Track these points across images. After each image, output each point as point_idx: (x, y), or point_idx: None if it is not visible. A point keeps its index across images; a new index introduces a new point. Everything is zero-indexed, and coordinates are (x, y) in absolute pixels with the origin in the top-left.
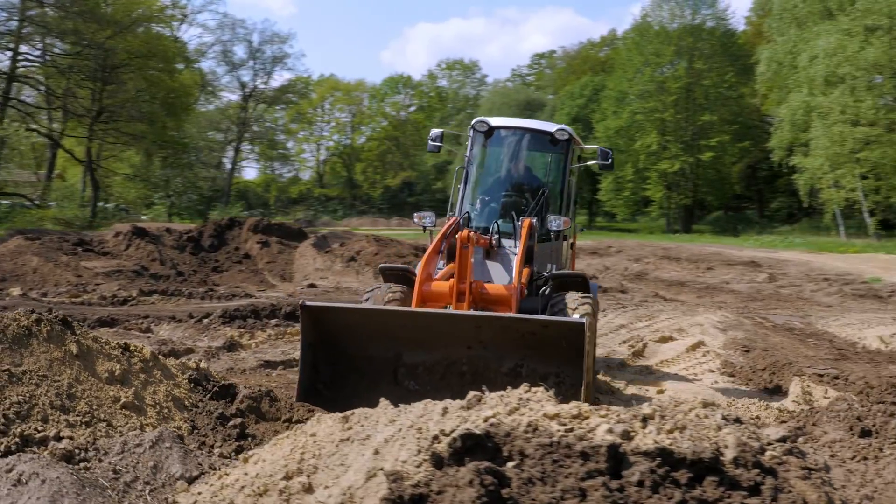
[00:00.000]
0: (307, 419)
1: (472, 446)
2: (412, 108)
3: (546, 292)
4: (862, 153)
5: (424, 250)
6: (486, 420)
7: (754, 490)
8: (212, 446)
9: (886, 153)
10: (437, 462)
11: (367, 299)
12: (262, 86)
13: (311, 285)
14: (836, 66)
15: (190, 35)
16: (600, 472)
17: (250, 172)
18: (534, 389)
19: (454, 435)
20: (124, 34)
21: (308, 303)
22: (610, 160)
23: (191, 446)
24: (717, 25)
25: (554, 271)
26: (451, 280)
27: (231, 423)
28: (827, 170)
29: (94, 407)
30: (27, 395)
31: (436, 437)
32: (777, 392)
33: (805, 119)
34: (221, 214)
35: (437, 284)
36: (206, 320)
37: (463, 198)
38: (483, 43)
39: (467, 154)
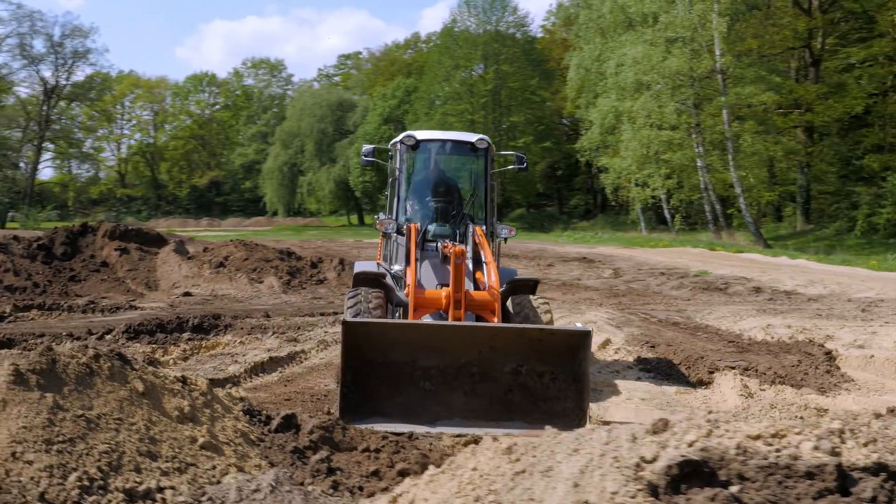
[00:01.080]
0: (383, 447)
1: (689, 473)
2: (217, 107)
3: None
4: (665, 155)
5: (290, 254)
6: (690, 444)
7: None
8: (308, 484)
9: (687, 155)
10: (653, 491)
11: (353, 305)
12: (64, 81)
13: (187, 293)
14: (642, 73)
15: None
16: (830, 491)
17: (46, 172)
18: (715, 410)
19: (671, 462)
20: None
21: (349, 319)
22: (524, 164)
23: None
24: (520, 33)
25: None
26: (444, 289)
27: (316, 457)
28: (634, 170)
29: (177, 450)
30: (112, 442)
31: (638, 466)
32: (701, 385)
33: (613, 123)
34: (30, 219)
35: (430, 292)
36: (108, 336)
37: (397, 206)
38: (280, 42)
39: (397, 166)
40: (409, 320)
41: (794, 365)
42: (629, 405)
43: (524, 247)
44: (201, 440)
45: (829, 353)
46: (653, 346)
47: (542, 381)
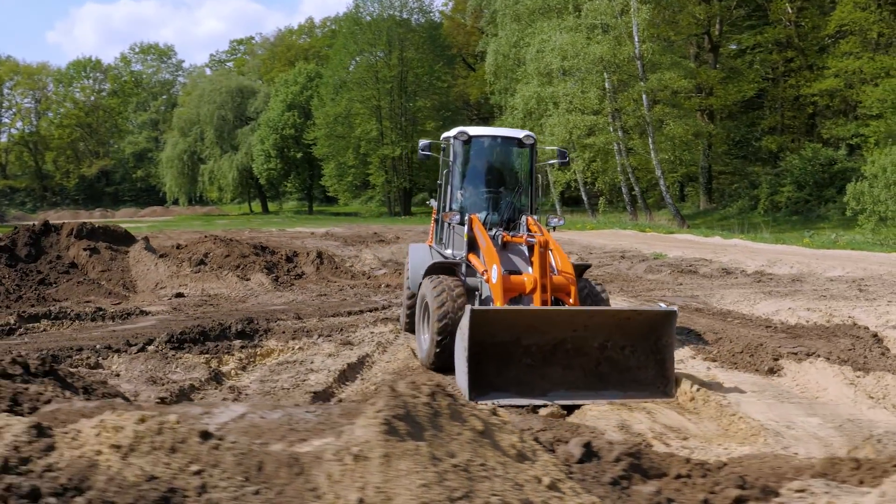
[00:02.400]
0: (691, 472)
1: None
2: (104, 94)
3: None
4: (589, 139)
5: (263, 248)
6: None
7: None
8: None
9: (610, 138)
10: None
11: (439, 293)
12: None
13: (179, 294)
14: (566, 59)
15: None
16: None
17: None
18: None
19: None
20: None
21: (474, 308)
22: (566, 158)
23: None
24: (422, 18)
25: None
26: (525, 274)
27: (647, 488)
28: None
29: (536, 494)
30: (495, 492)
31: None
32: (773, 374)
33: (536, 108)
34: None
35: (515, 278)
36: (150, 347)
37: (450, 195)
38: (157, 26)
39: (450, 159)
40: (520, 307)
41: (850, 349)
42: (751, 399)
43: None
44: (546, 480)
45: (875, 335)
46: (699, 335)
47: (624, 353)
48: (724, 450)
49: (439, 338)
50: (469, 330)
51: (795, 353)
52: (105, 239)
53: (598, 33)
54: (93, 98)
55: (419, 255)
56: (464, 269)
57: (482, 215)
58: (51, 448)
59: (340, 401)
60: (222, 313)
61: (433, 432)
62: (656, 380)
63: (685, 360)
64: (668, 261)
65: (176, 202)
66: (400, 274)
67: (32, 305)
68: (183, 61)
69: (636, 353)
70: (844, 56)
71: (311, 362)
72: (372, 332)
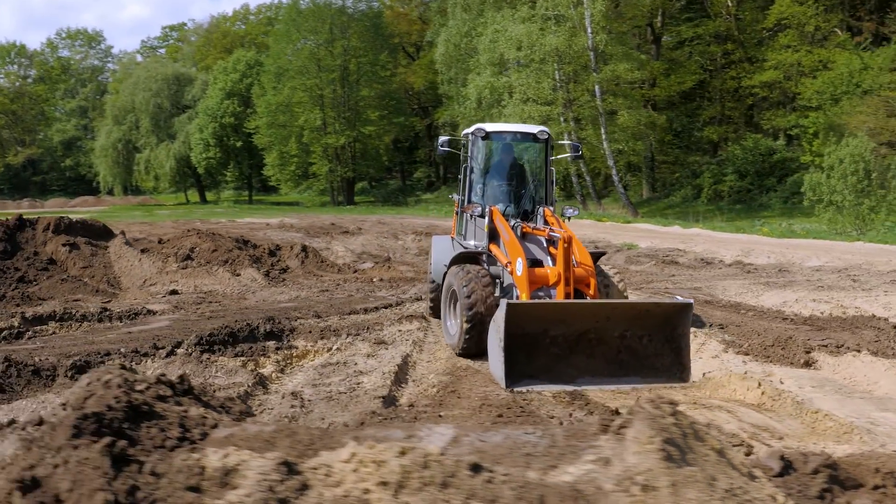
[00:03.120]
0: (885, 483)
1: None
2: (30, 80)
3: None
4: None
5: (245, 242)
6: None
7: None
8: None
9: (563, 129)
10: None
11: (467, 283)
12: None
13: (174, 292)
14: (521, 50)
15: None
16: None
17: None
18: None
19: None
20: None
21: (510, 301)
22: (580, 152)
23: None
24: (365, 6)
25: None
26: (550, 267)
27: (858, 500)
28: None
29: None
30: None
31: None
32: (808, 367)
33: (489, 97)
34: None
35: (539, 270)
36: (180, 350)
37: (470, 188)
38: (78, 10)
39: (470, 154)
40: (552, 300)
41: (876, 340)
42: (817, 395)
43: (409, 223)
44: (780, 499)
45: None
46: (721, 327)
47: (643, 343)
48: (823, 449)
49: (468, 325)
50: (504, 322)
51: (826, 346)
52: (84, 234)
53: (551, 24)
54: (18, 84)
55: (442, 247)
56: (485, 258)
57: (501, 207)
58: (305, 487)
59: (412, 406)
60: (234, 312)
61: (692, 455)
62: (673, 366)
63: (719, 354)
64: (643, 251)
65: (111, 192)
66: (389, 268)
67: (18, 304)
68: (112, 47)
69: (653, 342)
70: (783, 49)
71: (355, 364)
72: (400, 330)
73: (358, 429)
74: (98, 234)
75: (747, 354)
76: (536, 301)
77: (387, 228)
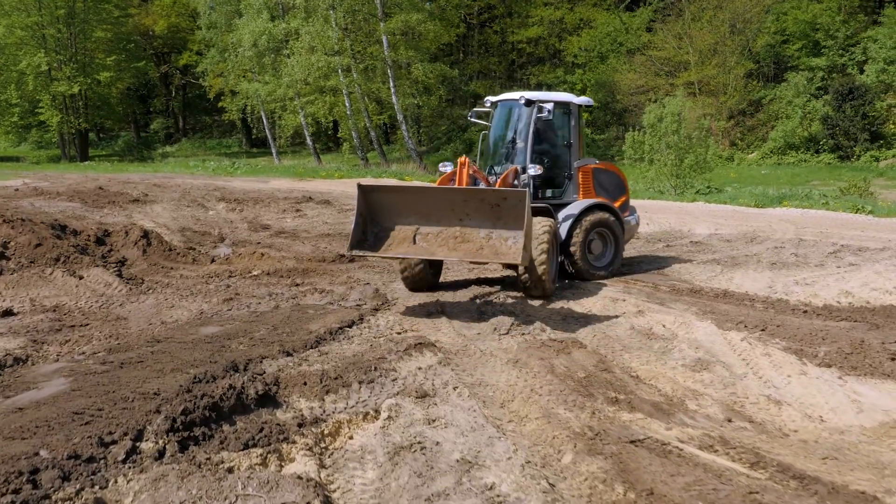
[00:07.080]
0: None
1: None
2: None
3: None
4: (331, 80)
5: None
6: None
7: None
8: None
9: (353, 82)
10: None
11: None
12: None
13: (8, 312)
14: None
15: None
16: None
17: None
18: None
19: None
20: None
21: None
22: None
23: None
24: None
25: None
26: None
27: None
28: (292, 95)
29: None
30: None
31: None
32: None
33: (267, 45)
34: None
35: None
36: (143, 446)
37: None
38: None
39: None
40: (399, 184)
41: None
42: None
43: (242, 186)
44: None
45: None
46: (762, 329)
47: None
48: None
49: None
50: (357, 203)
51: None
52: None
53: None
54: None
55: None
56: None
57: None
58: None
59: None
60: (144, 348)
61: None
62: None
63: (807, 372)
64: None
65: None
66: (262, 256)
67: None
68: None
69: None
70: (545, 6)
71: (420, 444)
72: (419, 368)
73: None
74: None
75: (829, 367)
76: (384, 184)
77: (178, 195)
